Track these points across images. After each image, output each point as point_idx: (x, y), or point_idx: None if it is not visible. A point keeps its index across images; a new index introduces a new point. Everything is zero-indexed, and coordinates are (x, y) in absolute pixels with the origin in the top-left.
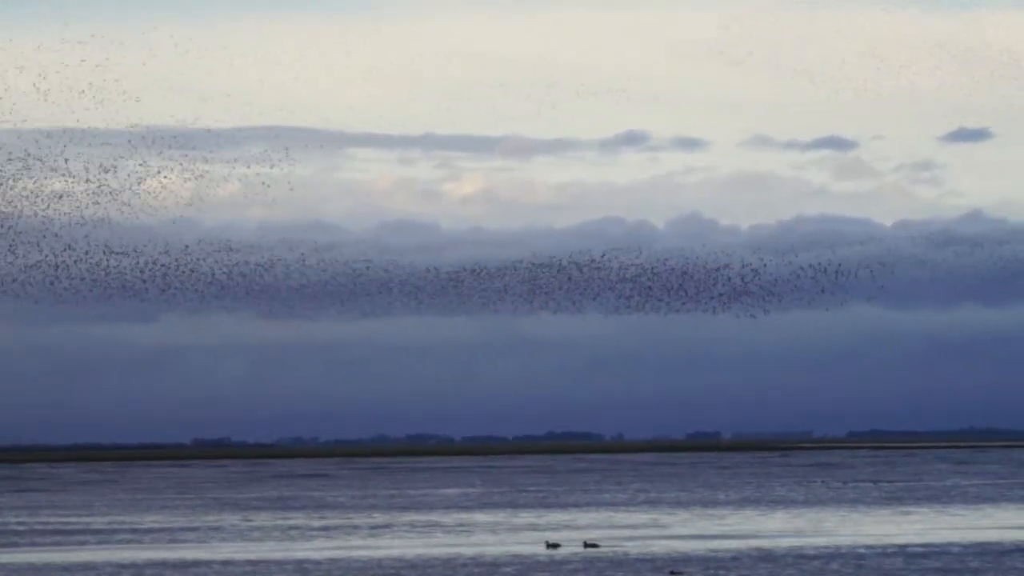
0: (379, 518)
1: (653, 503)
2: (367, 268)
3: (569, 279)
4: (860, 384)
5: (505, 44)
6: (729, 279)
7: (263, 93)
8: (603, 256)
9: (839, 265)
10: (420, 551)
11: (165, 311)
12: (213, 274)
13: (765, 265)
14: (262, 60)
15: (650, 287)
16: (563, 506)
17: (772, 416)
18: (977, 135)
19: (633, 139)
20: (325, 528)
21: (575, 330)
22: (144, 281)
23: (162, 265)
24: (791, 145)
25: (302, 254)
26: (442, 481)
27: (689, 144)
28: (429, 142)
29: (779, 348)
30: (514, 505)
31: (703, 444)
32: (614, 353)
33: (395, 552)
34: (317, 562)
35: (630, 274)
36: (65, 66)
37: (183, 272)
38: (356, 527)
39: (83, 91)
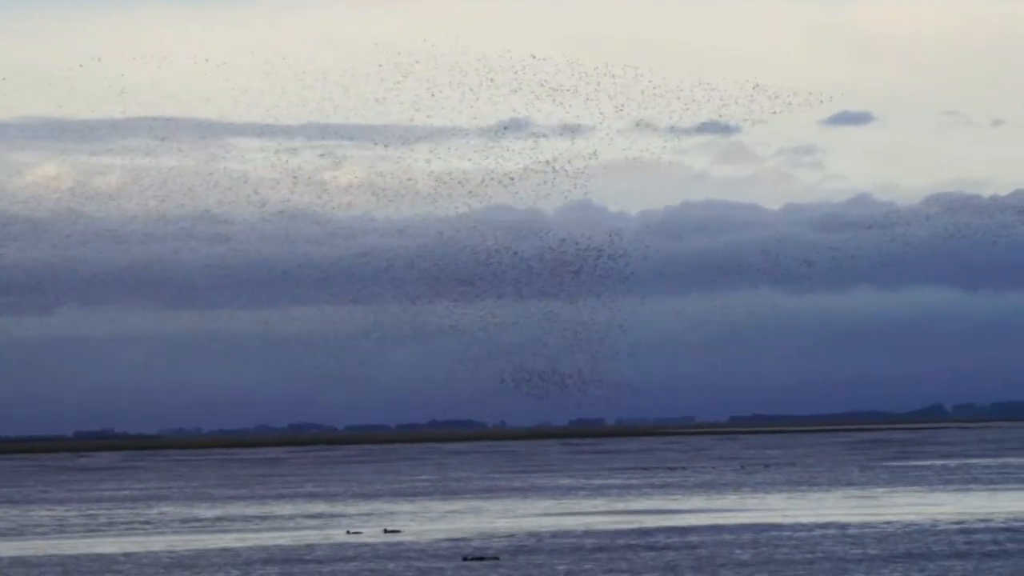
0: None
1: (488, 490)
2: (253, 257)
3: (460, 267)
4: (749, 369)
5: (385, 32)
6: (624, 264)
7: (142, 84)
8: (495, 243)
9: (729, 249)
10: (192, 546)
11: (55, 304)
12: (100, 266)
13: (657, 250)
14: (141, 50)
15: (544, 274)
16: (374, 496)
17: (657, 402)
18: (858, 118)
19: (515, 126)
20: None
21: (465, 318)
22: (32, 273)
23: (49, 257)
24: (673, 130)
25: (189, 245)
26: (259, 471)
27: (572, 131)
28: (311, 131)
29: (669, 333)
30: (329, 496)
31: (585, 431)
32: (506, 340)
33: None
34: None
35: (523, 261)
36: None
37: (72, 264)
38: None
39: None
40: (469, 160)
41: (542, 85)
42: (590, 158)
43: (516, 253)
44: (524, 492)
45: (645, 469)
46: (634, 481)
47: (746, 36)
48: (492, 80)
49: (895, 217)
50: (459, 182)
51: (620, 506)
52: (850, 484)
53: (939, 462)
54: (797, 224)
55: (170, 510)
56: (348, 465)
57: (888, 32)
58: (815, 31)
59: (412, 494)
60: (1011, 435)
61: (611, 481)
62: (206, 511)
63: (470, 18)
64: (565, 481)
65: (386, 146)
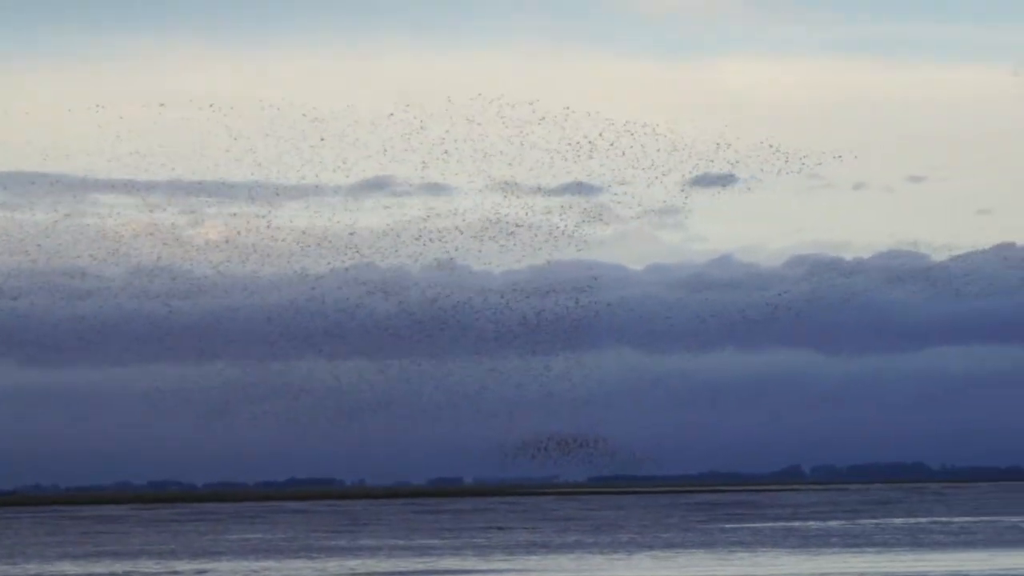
0: None
1: (303, 549)
2: (115, 314)
3: (325, 325)
4: (610, 428)
5: (249, 88)
6: (488, 324)
7: (4, 138)
8: (359, 301)
9: (592, 309)
10: None
11: None
12: None
13: (522, 311)
14: (3, 104)
15: (409, 333)
16: (169, 555)
17: (517, 461)
18: (722, 180)
19: (378, 184)
20: None
21: (329, 375)
22: None
23: None
24: (537, 191)
25: (50, 300)
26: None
27: (435, 189)
28: (175, 187)
29: (533, 393)
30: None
31: (444, 490)
32: (368, 399)
33: None
34: None
35: (388, 320)
36: None
37: None
38: None
39: None
40: (332, 218)
41: (406, 143)
42: (454, 217)
43: (381, 311)
44: (331, 552)
45: (481, 528)
46: (455, 541)
47: (610, 96)
48: (356, 137)
49: (757, 279)
50: (323, 239)
51: (420, 566)
52: (664, 546)
53: (775, 524)
54: (660, 284)
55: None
56: (183, 524)
57: (751, 94)
58: (679, 92)
59: (217, 553)
60: (864, 497)
61: (432, 541)
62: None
63: (331, 74)
64: (391, 541)
65: (250, 203)
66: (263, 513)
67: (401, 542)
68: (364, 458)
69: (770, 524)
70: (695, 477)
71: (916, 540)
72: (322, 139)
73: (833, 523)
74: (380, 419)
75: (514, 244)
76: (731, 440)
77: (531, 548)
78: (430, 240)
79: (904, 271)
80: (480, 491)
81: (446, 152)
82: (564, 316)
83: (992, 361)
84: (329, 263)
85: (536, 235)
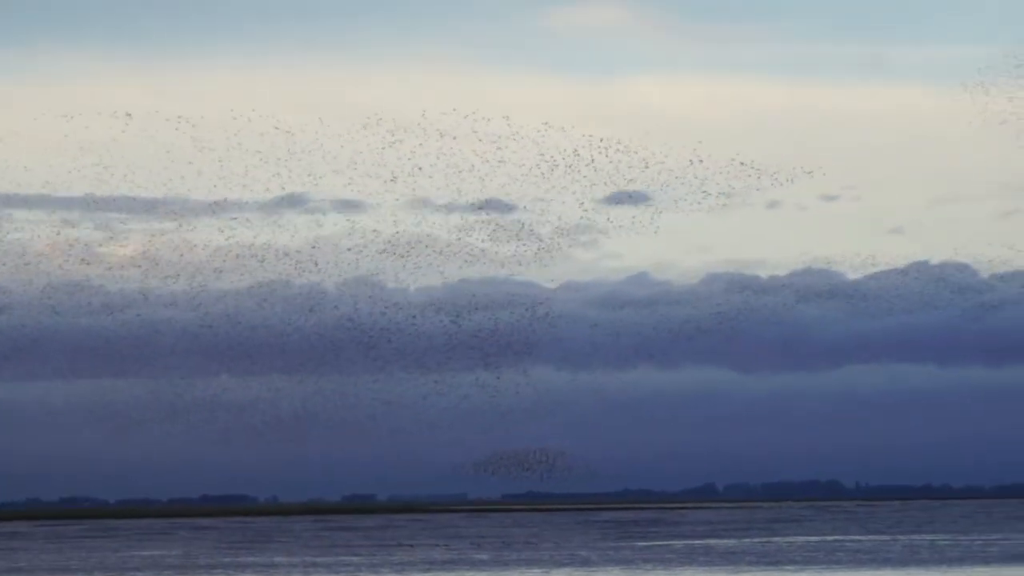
0: None
1: (181, 567)
2: (30, 330)
3: (240, 341)
4: (528, 444)
5: (165, 103)
6: (402, 341)
7: None
8: (275, 318)
9: (508, 327)
10: None
11: None
12: None
13: (437, 328)
14: None
15: (325, 349)
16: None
17: (433, 478)
18: (635, 198)
19: (294, 201)
20: None
21: (245, 392)
22: None
23: None
24: (452, 208)
25: None
26: None
27: (351, 206)
28: (89, 203)
29: (449, 411)
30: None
31: (357, 507)
32: (284, 415)
33: None
34: None
35: (304, 337)
36: None
37: None
38: None
39: None
40: (248, 234)
41: (321, 160)
42: (369, 234)
43: (296, 328)
44: (242, 568)
45: (380, 546)
46: (357, 558)
47: (523, 113)
48: (271, 154)
49: (673, 297)
50: (238, 256)
51: None
52: (580, 564)
53: (690, 541)
54: (575, 302)
55: None
56: (94, 540)
57: (666, 113)
58: (594, 110)
59: (126, 569)
60: (776, 515)
61: (349, 558)
62: None
63: (250, 89)
64: (305, 558)
65: (165, 219)
66: (173, 529)
67: (318, 559)
68: (278, 475)
69: (684, 541)
70: (610, 495)
71: (831, 558)
72: (238, 155)
73: (747, 540)
74: (295, 436)
75: (429, 261)
76: (645, 457)
77: (446, 565)
78: (346, 257)
79: (819, 289)
80: (393, 508)
81: (359, 169)
82: (479, 333)
83: (907, 379)
84: (244, 280)
85: (451, 252)
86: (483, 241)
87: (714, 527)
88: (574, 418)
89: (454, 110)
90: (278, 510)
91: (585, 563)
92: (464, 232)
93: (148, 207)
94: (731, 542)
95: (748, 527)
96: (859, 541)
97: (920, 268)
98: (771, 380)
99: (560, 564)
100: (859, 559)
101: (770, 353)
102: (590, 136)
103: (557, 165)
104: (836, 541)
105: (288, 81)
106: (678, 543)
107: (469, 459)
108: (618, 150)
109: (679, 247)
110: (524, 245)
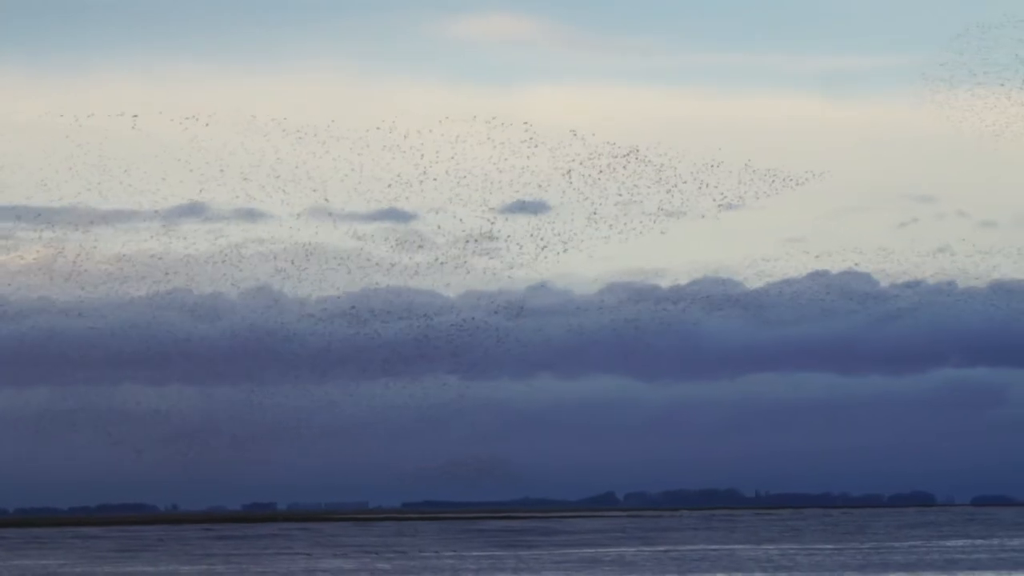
0: None
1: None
2: None
3: (141, 350)
4: (426, 455)
5: (62, 111)
6: (305, 350)
7: None
8: (176, 327)
9: (411, 336)
10: None
11: None
12: None
13: (338, 337)
14: None
15: (228, 359)
16: None
17: (333, 486)
18: (534, 207)
19: (193, 210)
20: None
21: (145, 401)
22: None
23: None
24: (351, 217)
25: None
26: None
27: (250, 215)
28: None
29: (352, 419)
30: None
31: (257, 515)
32: (186, 424)
33: None
34: None
35: (204, 345)
36: None
37: None
38: None
39: None
40: (147, 243)
41: (222, 168)
42: (270, 243)
43: (199, 337)
44: None
45: (260, 554)
46: (219, 567)
47: (418, 123)
48: (171, 163)
49: (573, 306)
50: (137, 265)
51: None
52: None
53: (563, 551)
54: (477, 311)
55: None
56: None
57: (564, 121)
58: (491, 118)
59: None
60: (672, 523)
61: (217, 567)
62: None
63: (147, 98)
64: (171, 567)
65: (66, 227)
66: (60, 538)
67: (184, 567)
68: (178, 484)
69: (569, 550)
70: (508, 503)
71: (734, 566)
72: (138, 164)
73: (628, 549)
74: (196, 444)
75: (331, 270)
76: (546, 466)
77: (314, 574)
78: (247, 266)
79: (720, 298)
80: (293, 517)
81: (260, 178)
82: (381, 342)
83: (807, 388)
84: (146, 288)
85: (352, 261)
86: (384, 250)
87: (602, 535)
88: (473, 428)
89: (357, 119)
90: (175, 519)
91: (453, 571)
92: (365, 241)
93: (50, 216)
94: (627, 550)
95: (624, 535)
96: (758, 549)
97: (821, 277)
98: (672, 389)
99: (439, 570)
100: (763, 567)
101: (672, 362)
102: (491, 145)
103: (457, 174)
104: (707, 550)
105: (189, 90)
106: (561, 551)
107: (370, 468)
108: (518, 159)
109: (578, 257)
110: (424, 254)
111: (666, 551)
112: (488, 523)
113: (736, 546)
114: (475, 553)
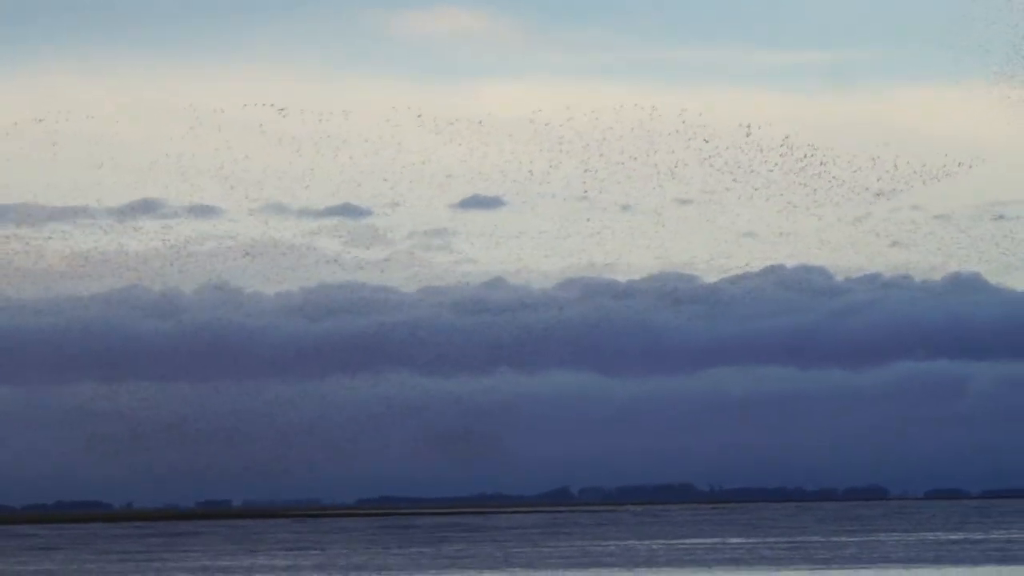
0: None
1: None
2: None
3: (97, 347)
4: (381, 451)
5: (18, 110)
6: (260, 347)
7: None
8: (131, 324)
9: (367, 331)
10: None
11: None
12: None
13: (295, 333)
14: None
15: (184, 355)
16: None
17: (288, 484)
18: (489, 203)
19: (146, 207)
20: None
21: (101, 399)
22: None
23: None
24: (304, 213)
25: None
26: None
27: (204, 212)
28: None
29: (308, 415)
30: None
31: (213, 512)
32: (141, 421)
33: None
34: None
35: (160, 342)
36: None
37: None
38: None
39: None
40: (101, 240)
41: (175, 166)
42: (224, 239)
43: (154, 334)
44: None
45: (188, 551)
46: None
47: (372, 118)
48: (125, 160)
49: (530, 300)
50: (91, 262)
51: None
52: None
53: (489, 545)
54: (434, 307)
55: None
56: None
57: (519, 117)
58: (445, 114)
59: None
60: (624, 519)
61: (123, 565)
62: None
63: (98, 96)
64: (79, 565)
65: (18, 225)
66: (3, 537)
67: (91, 566)
68: (134, 481)
69: (496, 544)
70: (463, 499)
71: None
72: (90, 161)
73: (562, 544)
74: (152, 441)
75: (284, 266)
76: (501, 461)
77: (229, 571)
78: (201, 263)
79: (677, 293)
80: (248, 514)
81: (214, 174)
82: (337, 339)
83: (765, 382)
84: (100, 286)
85: (306, 257)
86: (338, 246)
87: (526, 531)
88: (430, 423)
89: (307, 116)
90: (130, 516)
91: (357, 568)
92: (319, 237)
93: (1, 213)
94: (550, 548)
95: (558, 530)
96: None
97: (777, 272)
98: (630, 383)
99: (361, 568)
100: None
101: (630, 356)
102: (444, 141)
103: (411, 170)
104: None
105: (141, 86)
106: (486, 546)
107: (326, 464)
108: (472, 155)
109: (534, 251)
110: (379, 250)
111: (595, 546)
112: (426, 519)
113: (634, 542)
114: (395, 551)
